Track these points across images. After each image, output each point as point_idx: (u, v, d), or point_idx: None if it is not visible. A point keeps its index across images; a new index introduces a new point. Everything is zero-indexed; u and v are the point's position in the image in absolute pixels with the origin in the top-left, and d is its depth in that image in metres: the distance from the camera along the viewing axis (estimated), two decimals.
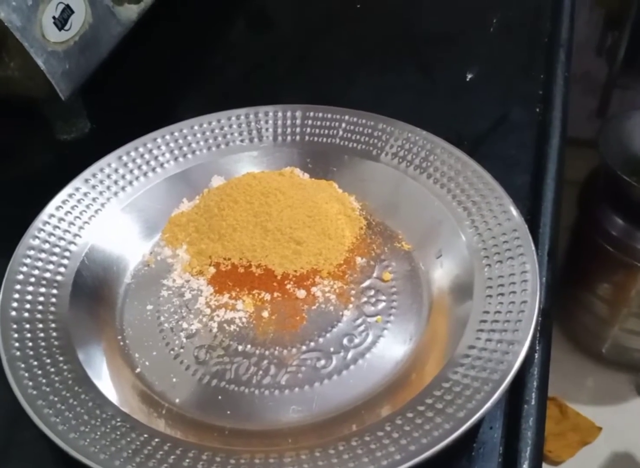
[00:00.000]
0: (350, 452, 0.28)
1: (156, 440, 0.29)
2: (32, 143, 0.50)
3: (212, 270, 0.39)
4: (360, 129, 0.44)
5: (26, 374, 0.31)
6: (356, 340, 0.35)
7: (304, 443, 0.30)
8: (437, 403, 0.29)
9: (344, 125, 0.44)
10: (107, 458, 0.28)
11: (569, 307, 1.03)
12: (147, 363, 0.35)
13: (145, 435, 0.30)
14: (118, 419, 0.30)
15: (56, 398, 0.31)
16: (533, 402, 0.32)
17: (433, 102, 0.51)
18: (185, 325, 0.36)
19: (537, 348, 0.33)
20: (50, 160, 0.49)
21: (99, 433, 0.29)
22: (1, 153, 0.50)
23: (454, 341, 0.33)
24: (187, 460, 0.28)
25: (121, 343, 0.36)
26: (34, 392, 0.31)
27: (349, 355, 0.35)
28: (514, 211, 0.37)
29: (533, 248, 0.35)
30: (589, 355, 1.01)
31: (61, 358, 0.33)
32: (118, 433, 0.29)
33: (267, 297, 0.37)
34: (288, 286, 0.38)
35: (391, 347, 0.35)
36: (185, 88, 0.54)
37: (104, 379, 0.33)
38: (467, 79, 0.53)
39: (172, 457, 0.28)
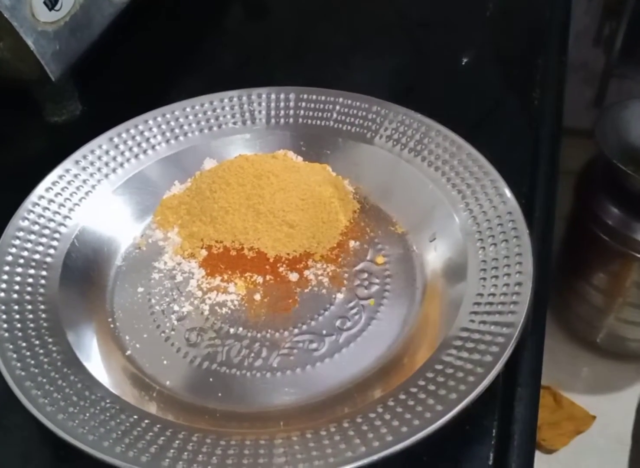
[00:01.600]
0: (342, 433, 0.28)
1: (146, 421, 0.29)
2: (23, 126, 0.50)
3: (204, 252, 0.38)
4: (354, 111, 0.43)
5: (14, 355, 0.31)
6: (349, 323, 0.35)
7: (297, 425, 0.30)
8: (430, 385, 0.29)
9: (337, 107, 0.43)
10: (96, 440, 0.28)
11: (564, 296, 1.03)
12: (137, 345, 0.34)
13: (135, 417, 0.29)
14: (107, 401, 0.30)
15: (45, 380, 0.30)
16: (527, 385, 0.31)
17: (428, 86, 0.51)
18: (176, 308, 0.36)
19: (531, 331, 0.33)
20: (40, 143, 0.48)
21: (87, 414, 0.29)
22: None
23: (447, 323, 0.33)
24: (177, 442, 0.28)
25: (111, 325, 0.35)
26: (22, 374, 0.30)
27: (342, 338, 0.34)
28: (508, 194, 0.36)
29: (527, 231, 0.34)
30: (583, 344, 1.01)
31: (50, 340, 0.32)
32: (107, 414, 0.29)
33: (260, 279, 0.37)
34: (280, 269, 0.37)
35: (384, 330, 0.35)
36: (179, 73, 0.54)
37: (94, 361, 0.33)
38: (463, 63, 0.53)
39: (162, 438, 0.28)
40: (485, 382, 0.28)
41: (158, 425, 0.29)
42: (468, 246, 0.35)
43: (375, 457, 0.26)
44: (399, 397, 0.29)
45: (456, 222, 0.37)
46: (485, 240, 0.35)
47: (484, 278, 0.34)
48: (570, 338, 1.02)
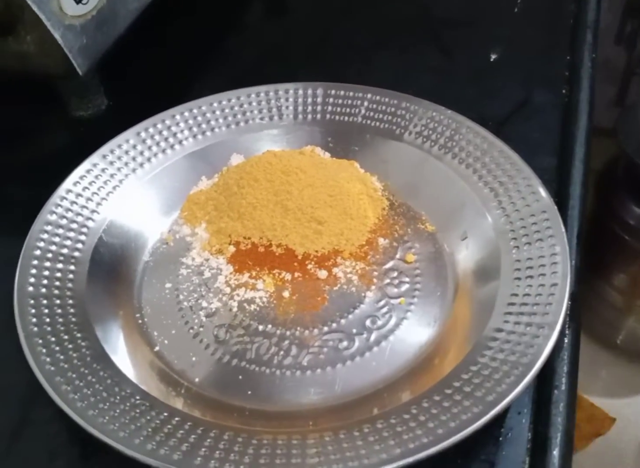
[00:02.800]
0: (376, 434, 0.27)
1: (176, 418, 0.29)
2: (48, 121, 0.49)
3: (232, 249, 0.38)
4: (383, 107, 0.42)
5: (44, 350, 0.31)
6: (379, 322, 0.34)
7: (326, 425, 0.30)
8: (465, 387, 0.29)
9: (366, 103, 0.43)
10: (127, 437, 0.27)
11: (584, 296, 1.02)
12: (166, 341, 0.34)
13: (165, 414, 0.29)
14: (137, 397, 0.30)
15: (74, 375, 0.30)
16: (563, 387, 0.31)
17: (455, 84, 0.50)
18: (204, 304, 0.36)
19: (567, 332, 0.32)
20: (66, 138, 0.48)
21: (118, 411, 0.29)
22: (17, 132, 0.49)
23: (480, 324, 0.32)
24: (209, 440, 0.27)
25: (139, 321, 0.35)
26: (52, 369, 0.30)
27: (372, 337, 0.34)
28: (542, 192, 0.36)
29: (563, 230, 0.34)
30: (603, 345, 1.00)
31: (79, 335, 0.32)
32: (137, 411, 0.29)
33: (288, 276, 0.37)
34: (309, 266, 0.37)
35: (415, 330, 0.34)
36: (203, 69, 0.53)
37: (121, 357, 0.33)
38: (491, 60, 0.52)
39: (193, 436, 0.28)
40: (524, 383, 0.28)
41: (189, 423, 0.29)
42: (501, 245, 0.35)
43: (410, 459, 0.26)
44: (433, 398, 0.29)
45: (488, 221, 0.36)
46: (519, 239, 0.35)
47: (519, 278, 0.33)
48: (590, 339, 1.00)
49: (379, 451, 0.26)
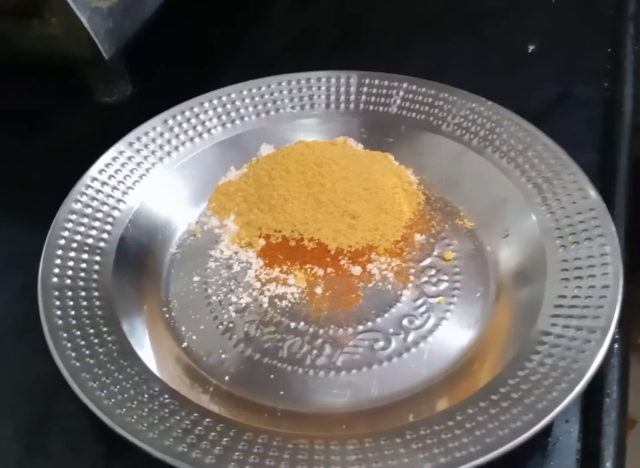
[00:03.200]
0: (419, 441, 0.26)
1: (207, 419, 0.27)
2: (72, 107, 0.48)
3: (262, 242, 0.36)
4: (420, 97, 0.41)
5: (69, 345, 0.29)
6: (417, 322, 0.33)
7: (359, 430, 0.28)
8: (513, 393, 0.27)
9: (401, 93, 0.41)
10: (156, 438, 0.26)
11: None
12: (194, 337, 0.33)
13: (196, 414, 0.27)
14: (166, 396, 0.28)
15: (101, 371, 0.29)
16: (615, 396, 0.29)
17: (491, 75, 0.48)
18: (234, 299, 0.34)
19: (618, 337, 0.31)
20: (90, 125, 0.47)
21: (146, 410, 0.27)
22: (40, 118, 0.47)
23: (525, 327, 0.31)
24: (242, 443, 0.26)
25: (166, 315, 0.34)
26: (77, 364, 0.29)
27: (410, 337, 0.32)
28: (590, 189, 0.34)
29: (613, 229, 0.32)
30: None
31: (105, 329, 0.31)
32: (167, 410, 0.27)
33: (320, 272, 0.35)
34: (342, 262, 0.35)
35: (454, 331, 0.33)
36: (232, 56, 0.52)
37: (147, 352, 0.31)
38: (529, 51, 0.50)
39: (226, 438, 0.26)
40: (577, 390, 0.26)
41: (221, 424, 0.27)
42: (546, 244, 0.33)
43: None
44: (479, 404, 0.27)
45: (532, 218, 0.34)
46: (565, 238, 0.33)
47: (567, 279, 0.31)
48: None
49: (423, 460, 0.25)
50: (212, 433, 0.27)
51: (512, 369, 0.28)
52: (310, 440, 0.27)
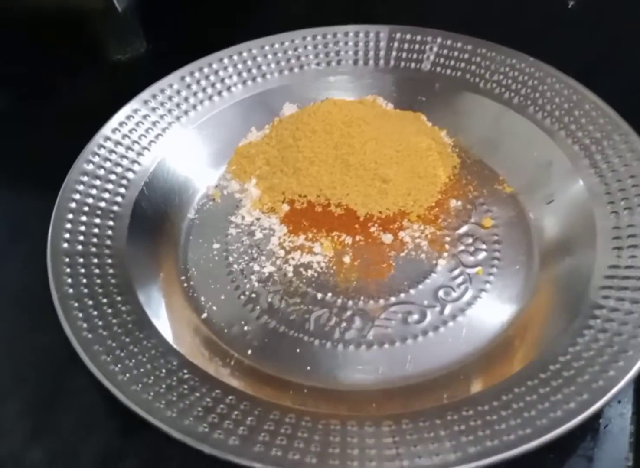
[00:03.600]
0: (462, 423, 0.24)
1: (230, 397, 0.25)
2: (84, 68, 0.45)
3: (286, 207, 0.34)
4: (455, 53, 0.38)
5: (80, 314, 0.27)
6: (454, 294, 0.31)
7: (391, 409, 0.26)
8: (564, 371, 0.25)
9: (435, 49, 0.38)
10: (175, 417, 0.24)
11: None
12: (214, 308, 0.31)
13: (218, 391, 0.25)
14: (185, 371, 0.26)
15: (114, 344, 0.26)
16: None
17: (530, 31, 0.45)
18: (256, 268, 0.32)
19: None
20: (104, 83, 0.44)
21: (164, 386, 0.25)
22: (52, 79, 0.45)
23: (573, 300, 0.28)
24: (269, 423, 0.24)
25: (184, 284, 0.32)
26: (90, 336, 0.27)
27: (446, 310, 0.30)
28: None
29: None
30: None
31: (119, 299, 0.28)
32: (186, 387, 0.25)
33: (349, 240, 0.33)
34: (372, 229, 0.33)
35: (495, 304, 0.30)
36: (251, 11, 0.49)
37: (164, 324, 0.29)
38: (569, 6, 0.47)
39: (250, 418, 0.24)
40: (637, 368, 0.24)
41: (245, 402, 0.25)
42: (595, 210, 0.30)
43: (506, 454, 0.22)
44: (526, 383, 0.25)
45: (579, 183, 0.32)
46: (617, 204, 0.30)
47: (619, 248, 0.29)
48: None
49: (467, 443, 0.23)
50: (236, 412, 0.24)
51: (562, 345, 0.26)
52: (342, 421, 0.24)
